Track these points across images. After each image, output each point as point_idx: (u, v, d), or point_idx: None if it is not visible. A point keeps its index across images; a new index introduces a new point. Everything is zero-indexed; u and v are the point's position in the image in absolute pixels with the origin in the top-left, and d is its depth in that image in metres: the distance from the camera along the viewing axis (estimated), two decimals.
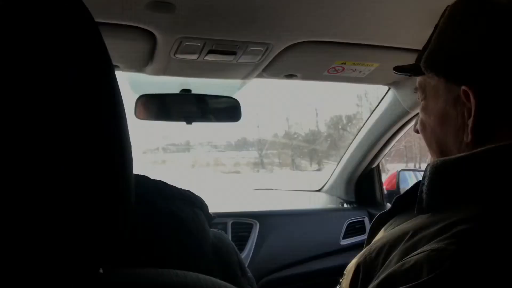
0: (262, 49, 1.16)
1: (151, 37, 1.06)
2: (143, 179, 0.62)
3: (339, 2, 0.96)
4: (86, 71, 0.34)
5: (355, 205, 2.15)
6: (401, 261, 0.50)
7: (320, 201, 2.32)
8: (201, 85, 1.67)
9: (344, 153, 2.16)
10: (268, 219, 1.80)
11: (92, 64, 0.35)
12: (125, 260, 0.50)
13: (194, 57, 1.16)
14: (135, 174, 0.44)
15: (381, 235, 0.68)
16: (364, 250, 0.61)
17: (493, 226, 0.49)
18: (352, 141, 2.09)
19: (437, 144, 0.64)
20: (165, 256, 0.55)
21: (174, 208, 0.57)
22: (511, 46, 0.53)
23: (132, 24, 1.00)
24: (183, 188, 0.65)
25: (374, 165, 2.12)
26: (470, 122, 0.56)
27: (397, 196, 0.72)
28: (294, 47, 1.19)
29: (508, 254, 0.46)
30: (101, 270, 0.42)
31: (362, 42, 1.23)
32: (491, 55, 0.54)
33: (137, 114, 1.42)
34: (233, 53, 1.16)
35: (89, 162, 0.33)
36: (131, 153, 0.38)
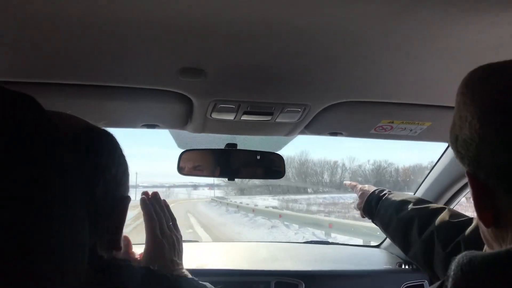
0: (299, 110, 1.12)
1: (187, 99, 1.07)
2: None
3: (376, 65, 0.90)
4: None
5: (414, 266, 1.96)
6: None
7: (377, 260, 2.15)
8: (247, 139, 1.66)
9: None
10: (314, 280, 1.68)
11: None
12: None
13: (230, 117, 1.15)
14: None
15: None
16: None
17: None
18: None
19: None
20: None
21: None
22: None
23: (167, 89, 1.02)
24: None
25: None
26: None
27: None
28: (336, 106, 1.14)
29: None
30: None
31: (410, 102, 1.15)
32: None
33: (180, 170, 1.43)
34: (269, 113, 1.13)
35: None
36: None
